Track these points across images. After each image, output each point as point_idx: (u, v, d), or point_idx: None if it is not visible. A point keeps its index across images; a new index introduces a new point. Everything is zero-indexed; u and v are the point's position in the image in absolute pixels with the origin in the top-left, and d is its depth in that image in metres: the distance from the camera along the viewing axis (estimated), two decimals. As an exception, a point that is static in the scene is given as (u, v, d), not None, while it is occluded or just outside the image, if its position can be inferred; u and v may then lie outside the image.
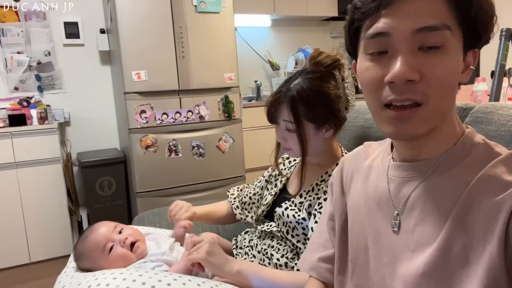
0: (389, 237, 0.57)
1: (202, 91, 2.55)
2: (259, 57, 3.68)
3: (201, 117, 2.56)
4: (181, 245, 1.07)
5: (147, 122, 2.41)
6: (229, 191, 1.29)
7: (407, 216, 0.56)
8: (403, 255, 0.55)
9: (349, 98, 1.02)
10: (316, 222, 0.91)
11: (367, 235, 0.62)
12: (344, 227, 0.68)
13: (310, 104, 0.93)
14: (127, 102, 2.36)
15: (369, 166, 0.66)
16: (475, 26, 0.51)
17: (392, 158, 0.62)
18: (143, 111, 2.39)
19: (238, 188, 1.30)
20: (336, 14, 3.65)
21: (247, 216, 1.20)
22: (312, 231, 0.91)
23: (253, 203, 1.22)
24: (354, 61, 0.60)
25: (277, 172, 1.17)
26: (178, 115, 2.49)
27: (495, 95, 1.67)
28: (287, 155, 1.20)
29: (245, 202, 1.23)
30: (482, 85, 2.02)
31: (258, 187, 1.22)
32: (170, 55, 2.42)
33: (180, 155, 2.52)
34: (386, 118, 0.52)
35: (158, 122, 2.44)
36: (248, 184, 1.30)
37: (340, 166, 0.74)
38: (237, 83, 2.65)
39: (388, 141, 0.67)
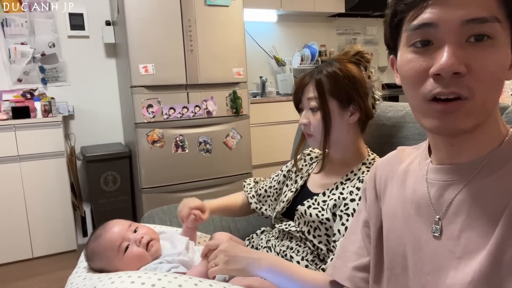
0: (431, 243, 0.54)
1: (209, 86, 2.50)
2: (264, 53, 3.63)
3: (208, 112, 2.51)
4: (191, 239, 1.03)
5: (154, 116, 2.36)
6: (245, 181, 1.26)
7: (451, 222, 0.53)
8: (448, 262, 0.52)
9: (376, 96, 0.99)
10: (342, 224, 0.87)
11: (405, 242, 0.59)
12: (379, 234, 0.65)
13: (336, 80, 0.92)
14: (133, 96, 2.32)
15: (405, 171, 0.64)
16: None
17: (431, 161, 0.59)
18: (150, 106, 2.34)
19: (254, 179, 1.27)
20: (343, 10, 3.60)
21: (262, 207, 1.18)
22: (339, 233, 0.87)
23: (268, 196, 1.19)
24: (392, 56, 0.58)
25: (296, 169, 1.12)
26: (185, 110, 2.44)
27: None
28: (307, 151, 1.16)
29: (260, 194, 1.20)
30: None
31: (275, 181, 1.18)
32: (178, 49, 2.37)
33: (186, 150, 2.47)
34: (429, 111, 0.50)
35: (165, 117, 2.39)
36: (264, 178, 1.27)
37: (372, 172, 0.72)
38: (246, 78, 2.60)
39: (423, 145, 0.64)
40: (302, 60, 3.62)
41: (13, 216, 2.32)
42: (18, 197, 2.32)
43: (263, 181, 1.25)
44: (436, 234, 0.54)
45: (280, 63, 3.64)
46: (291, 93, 3.24)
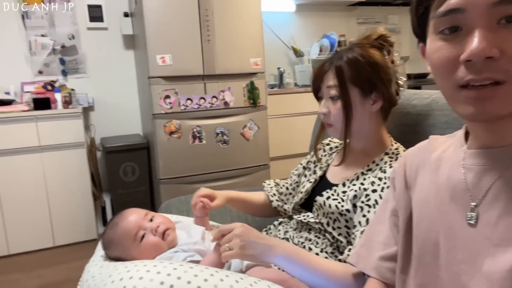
0: (465, 231, 0.52)
1: (227, 77, 2.48)
2: (282, 44, 3.58)
3: (225, 103, 2.49)
4: (207, 229, 1.01)
5: (171, 107, 2.36)
6: (265, 182, 1.23)
7: (489, 208, 0.51)
8: (485, 250, 0.50)
9: (400, 82, 0.94)
10: (364, 216, 0.83)
11: (437, 230, 0.56)
12: (408, 222, 0.63)
13: (357, 66, 0.87)
14: (151, 87, 2.32)
15: (439, 158, 0.61)
16: None
17: (468, 147, 0.57)
18: (167, 96, 2.34)
19: (274, 180, 1.24)
20: (363, -1, 3.51)
21: (284, 205, 1.15)
22: (360, 225, 0.83)
23: (290, 193, 1.15)
24: (421, 44, 0.56)
25: (315, 159, 1.09)
26: (202, 100, 2.43)
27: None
28: (327, 141, 1.12)
29: (282, 193, 1.17)
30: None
31: (295, 175, 1.15)
32: (195, 39, 2.35)
33: (204, 142, 2.47)
34: (463, 98, 0.48)
35: (182, 107, 2.39)
36: (283, 180, 1.23)
37: (402, 160, 0.69)
38: (263, 68, 2.57)
39: (458, 133, 0.62)
40: (320, 50, 3.55)
41: (35, 205, 2.37)
42: (40, 187, 2.37)
43: (283, 180, 1.21)
44: (471, 222, 0.52)
45: (298, 53, 3.57)
46: (309, 84, 3.17)
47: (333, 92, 0.89)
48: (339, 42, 3.59)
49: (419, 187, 0.62)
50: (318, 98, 0.97)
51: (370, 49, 0.90)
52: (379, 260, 0.67)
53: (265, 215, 1.20)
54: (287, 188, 1.16)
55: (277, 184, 1.21)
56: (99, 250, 0.95)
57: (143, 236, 0.88)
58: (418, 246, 0.60)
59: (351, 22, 3.86)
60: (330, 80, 0.90)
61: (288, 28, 3.60)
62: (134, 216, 0.91)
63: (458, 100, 0.49)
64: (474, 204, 0.52)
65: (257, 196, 1.20)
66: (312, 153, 1.13)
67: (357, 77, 0.87)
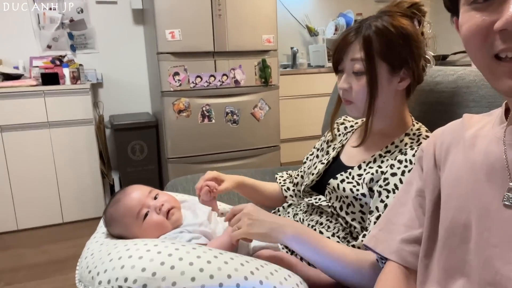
0: (503, 212, 0.48)
1: (238, 54, 2.41)
2: (296, 22, 3.46)
3: (236, 81, 2.42)
4: (213, 210, 0.97)
5: (180, 85, 2.30)
6: (277, 174, 1.17)
7: None
8: None
9: (428, 57, 0.86)
10: (382, 201, 0.77)
11: (469, 211, 0.52)
12: (436, 203, 0.59)
13: (388, 38, 0.78)
14: (160, 63, 2.26)
15: (475, 136, 0.56)
16: None
17: (508, 124, 0.52)
18: (176, 73, 2.28)
19: (286, 172, 1.17)
20: (383, -25, 3.35)
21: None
22: (378, 211, 0.77)
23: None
24: (455, 17, 0.52)
25: (330, 138, 1.02)
26: (212, 78, 2.37)
27: None
28: (341, 120, 1.06)
29: (297, 183, 1.10)
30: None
31: (309, 159, 1.09)
32: (205, 13, 2.27)
33: (213, 121, 2.42)
34: (501, 72, 0.45)
35: (192, 85, 2.33)
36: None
37: (431, 139, 0.64)
38: (276, 46, 2.48)
39: (496, 111, 0.57)
40: (336, 30, 3.43)
41: (45, 181, 2.37)
42: (48, 163, 2.36)
43: (296, 171, 1.14)
44: (508, 203, 0.48)
45: (312, 33, 3.46)
46: (323, 65, 3.07)
47: (358, 66, 0.80)
48: (355, 21, 3.46)
49: (450, 166, 0.58)
50: (338, 71, 0.88)
51: (402, 19, 0.80)
52: (401, 243, 0.63)
53: (273, 207, 1.13)
54: (302, 177, 1.09)
55: (290, 176, 1.15)
56: (101, 227, 0.92)
57: (146, 214, 0.84)
58: (445, 228, 0.55)
59: (369, 0, 3.71)
60: (356, 52, 0.80)
61: (303, 5, 3.48)
62: (137, 193, 0.87)
63: (496, 74, 0.46)
64: None
65: (270, 186, 1.13)
66: (326, 133, 1.06)
67: (387, 50, 0.78)
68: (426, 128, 0.87)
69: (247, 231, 0.76)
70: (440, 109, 0.97)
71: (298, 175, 1.11)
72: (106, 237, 0.87)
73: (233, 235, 0.77)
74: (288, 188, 1.11)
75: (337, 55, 0.84)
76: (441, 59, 3.25)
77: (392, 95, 0.82)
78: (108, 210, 0.87)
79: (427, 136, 0.83)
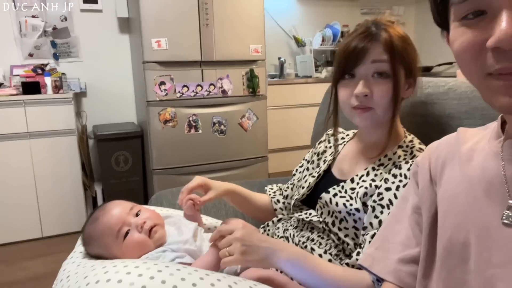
0: (503, 231, 0.46)
1: (225, 63, 2.38)
2: (284, 33, 3.47)
3: (223, 91, 2.39)
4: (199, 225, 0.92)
5: (166, 94, 2.25)
6: (267, 187, 1.13)
7: None
8: None
9: None
10: (376, 216, 0.74)
11: (468, 229, 0.49)
12: (433, 221, 0.56)
13: (405, 43, 0.78)
14: (146, 72, 2.21)
15: (471, 149, 0.54)
16: None
17: (505, 138, 0.50)
18: (162, 83, 2.24)
19: (276, 185, 1.14)
20: (369, -12, 3.39)
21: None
22: (372, 227, 0.74)
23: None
24: (445, 32, 0.51)
25: (320, 150, 0.99)
26: (199, 88, 2.33)
27: None
28: (331, 131, 1.03)
29: (287, 195, 1.06)
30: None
31: (299, 171, 1.05)
32: (193, 22, 2.24)
33: (200, 131, 2.37)
34: (495, 88, 0.43)
35: (178, 95, 2.28)
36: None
37: (426, 153, 0.62)
38: (264, 56, 2.47)
39: (491, 125, 0.55)
40: (323, 40, 3.45)
41: (23, 194, 2.27)
42: (27, 175, 2.27)
43: (286, 184, 1.10)
44: (507, 221, 0.46)
45: (300, 43, 3.47)
46: (310, 75, 3.06)
47: (383, 67, 0.76)
48: (342, 32, 3.48)
49: (446, 182, 0.55)
50: (345, 78, 0.80)
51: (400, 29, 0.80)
52: (398, 263, 0.60)
53: (263, 219, 1.09)
54: (291, 190, 1.06)
55: (280, 189, 1.11)
56: (79, 246, 0.87)
57: (127, 233, 0.79)
58: (442, 247, 0.53)
59: (355, 12, 3.75)
60: (380, 54, 0.76)
61: (290, 16, 3.50)
62: (117, 210, 0.82)
63: (491, 90, 0.43)
64: None
65: (260, 198, 1.09)
66: (317, 144, 1.03)
67: (405, 54, 0.77)
68: (419, 140, 0.84)
69: (242, 258, 0.71)
70: (430, 121, 0.95)
71: (288, 187, 1.07)
72: (83, 257, 0.81)
73: (225, 262, 0.71)
74: (278, 201, 1.07)
75: (354, 57, 0.77)
76: (425, 71, 3.29)
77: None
78: (86, 229, 0.82)
79: (421, 149, 0.80)
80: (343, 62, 0.79)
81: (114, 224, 0.79)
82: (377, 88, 0.77)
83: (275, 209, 1.07)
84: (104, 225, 0.79)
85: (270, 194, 1.09)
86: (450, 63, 3.41)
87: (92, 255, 0.81)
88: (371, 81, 0.77)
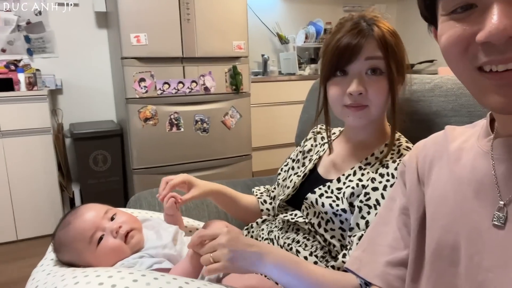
0: (495, 233, 0.45)
1: (208, 60, 2.33)
2: (267, 30, 3.44)
3: (206, 88, 2.34)
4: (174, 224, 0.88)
5: (146, 91, 2.19)
6: (254, 189, 1.10)
7: None
8: None
9: None
10: (363, 217, 0.72)
11: (457, 231, 0.48)
12: (421, 222, 0.55)
13: (397, 40, 0.77)
14: (124, 69, 2.14)
15: (459, 148, 0.53)
16: None
17: (495, 136, 0.48)
18: (142, 79, 2.17)
19: (264, 186, 1.11)
20: (351, -15, 3.40)
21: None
22: (358, 228, 0.71)
23: None
24: (433, 27, 0.50)
25: (306, 149, 0.96)
26: (181, 85, 2.27)
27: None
28: (317, 129, 1.00)
29: (274, 196, 1.03)
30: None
31: (284, 171, 1.02)
32: (173, 18, 2.18)
33: (182, 129, 2.31)
34: (487, 86, 0.41)
35: (159, 92, 2.22)
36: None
37: (413, 152, 0.60)
38: (247, 52, 2.43)
39: (480, 123, 0.54)
40: (306, 38, 3.44)
41: (-4, 195, 2.17)
42: (0, 176, 2.17)
43: (272, 186, 1.08)
44: (498, 223, 0.44)
45: (283, 40, 3.45)
46: (293, 72, 3.03)
47: (377, 63, 0.74)
48: (325, 29, 3.48)
49: (434, 182, 0.54)
50: (337, 75, 0.77)
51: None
52: (385, 266, 0.58)
53: (248, 221, 1.05)
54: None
55: (267, 190, 1.08)
56: (50, 253, 0.81)
57: (100, 238, 0.74)
58: (431, 249, 0.51)
59: (338, 10, 3.76)
60: (374, 50, 0.74)
61: (273, 13, 3.47)
62: (91, 214, 0.77)
63: (481, 89, 0.42)
64: (503, 203, 0.44)
65: (247, 198, 1.05)
66: (302, 143, 1.00)
67: (397, 50, 0.76)
68: (405, 139, 0.82)
69: (230, 265, 0.65)
70: (417, 118, 0.94)
71: (275, 188, 1.04)
72: (54, 264, 0.76)
73: (210, 270, 0.64)
74: (265, 201, 1.04)
75: (348, 54, 0.75)
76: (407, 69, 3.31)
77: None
78: (56, 234, 0.77)
79: (408, 147, 0.78)
80: (334, 59, 0.76)
81: (87, 229, 0.74)
82: (372, 85, 0.74)
83: (262, 210, 1.04)
84: (76, 230, 0.75)
85: (257, 195, 1.06)
86: (431, 61, 3.45)
87: (64, 263, 0.76)
88: (365, 78, 0.75)
